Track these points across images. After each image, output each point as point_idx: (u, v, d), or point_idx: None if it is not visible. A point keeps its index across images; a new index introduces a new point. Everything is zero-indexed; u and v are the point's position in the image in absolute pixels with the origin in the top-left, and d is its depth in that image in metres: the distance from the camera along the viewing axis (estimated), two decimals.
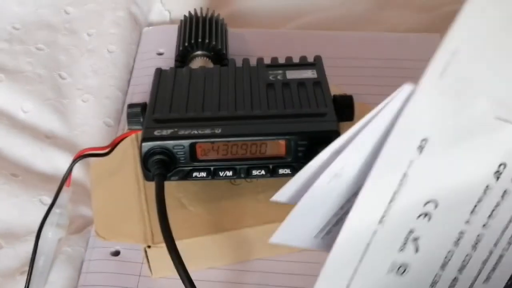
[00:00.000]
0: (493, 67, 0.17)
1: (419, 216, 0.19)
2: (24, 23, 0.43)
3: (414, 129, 0.18)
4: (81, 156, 0.30)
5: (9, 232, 0.33)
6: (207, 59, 0.37)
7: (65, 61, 0.41)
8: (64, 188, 0.30)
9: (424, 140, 0.18)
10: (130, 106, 0.31)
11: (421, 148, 0.18)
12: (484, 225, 0.20)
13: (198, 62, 0.37)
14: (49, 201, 0.33)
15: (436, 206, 0.19)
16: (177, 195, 0.30)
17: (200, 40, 0.37)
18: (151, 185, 0.27)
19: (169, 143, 0.28)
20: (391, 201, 0.19)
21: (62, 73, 0.40)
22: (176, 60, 0.38)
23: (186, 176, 0.28)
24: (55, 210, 0.30)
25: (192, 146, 0.28)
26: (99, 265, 0.31)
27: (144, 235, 0.29)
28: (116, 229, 0.30)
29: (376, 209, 0.18)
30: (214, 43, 0.37)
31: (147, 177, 0.28)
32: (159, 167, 0.28)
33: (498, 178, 0.19)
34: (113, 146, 0.30)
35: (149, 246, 0.29)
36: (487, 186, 0.19)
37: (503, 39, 0.17)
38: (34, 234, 0.30)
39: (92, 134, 0.37)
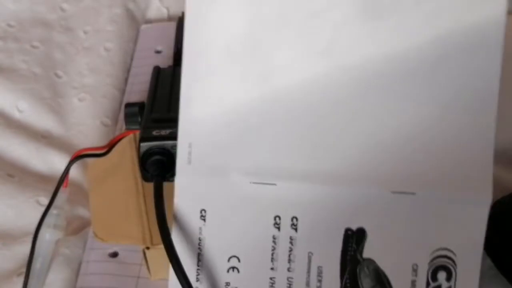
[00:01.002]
0: (230, 149, 0.23)
1: (228, 270, 0.24)
2: (19, 21, 0.43)
3: (192, 203, 0.24)
4: (78, 156, 0.30)
5: (6, 233, 0.33)
6: None
7: (61, 59, 0.41)
8: (61, 189, 0.30)
9: (203, 210, 0.24)
10: (128, 105, 0.31)
11: (203, 217, 0.24)
12: (288, 269, 0.24)
13: None
14: (46, 201, 0.32)
15: (239, 260, 0.24)
16: None
17: None
18: (150, 186, 0.27)
19: (168, 143, 0.27)
20: (199, 261, 0.24)
21: (58, 72, 0.40)
22: (174, 58, 0.37)
23: None
24: (52, 211, 0.30)
25: None
26: (97, 267, 0.31)
27: (143, 236, 0.28)
28: (114, 230, 0.29)
29: (190, 273, 0.24)
30: None
31: (145, 178, 0.28)
32: (158, 168, 0.27)
33: (279, 228, 0.24)
34: (111, 146, 0.30)
35: (147, 248, 0.28)
36: (273, 236, 0.24)
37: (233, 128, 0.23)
38: (31, 236, 0.30)
39: (89, 134, 0.37)
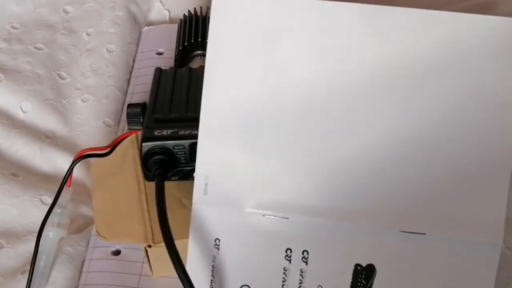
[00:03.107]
0: (245, 182, 0.24)
1: None
2: (23, 23, 0.43)
3: (206, 232, 0.24)
4: (82, 156, 0.30)
5: (10, 232, 0.33)
6: None
7: (64, 60, 0.41)
8: (65, 188, 0.30)
9: (217, 239, 0.24)
10: (130, 106, 0.31)
11: (217, 246, 0.24)
12: None
13: (198, 61, 0.37)
14: (49, 200, 0.33)
15: None
16: (177, 195, 0.30)
17: (200, 39, 0.37)
18: (152, 185, 0.27)
19: (169, 143, 0.28)
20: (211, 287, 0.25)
21: (61, 73, 0.40)
22: (175, 60, 0.37)
23: (186, 176, 0.28)
24: (56, 210, 0.30)
25: (192, 146, 0.28)
26: (100, 265, 0.31)
27: (145, 235, 0.29)
28: (117, 229, 0.30)
29: None
30: None
31: (147, 177, 0.28)
32: (159, 167, 0.28)
33: (290, 260, 0.24)
34: (113, 146, 0.30)
35: (149, 246, 0.29)
36: (284, 268, 0.24)
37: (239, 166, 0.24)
38: (35, 234, 0.30)
39: (92, 134, 0.37)
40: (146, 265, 0.31)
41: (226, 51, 0.24)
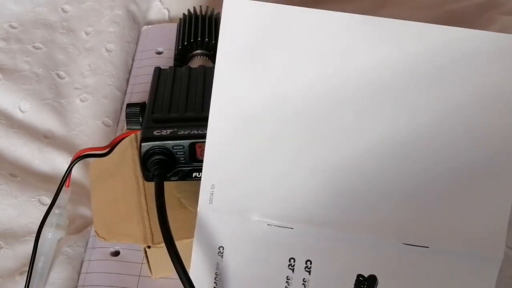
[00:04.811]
0: (251, 191, 0.24)
1: None
2: (21, 22, 0.43)
3: (211, 239, 0.24)
4: (80, 156, 0.30)
5: (8, 232, 0.33)
6: (207, 58, 0.36)
7: (63, 60, 0.41)
8: (64, 188, 0.30)
9: (221, 247, 0.25)
10: (129, 105, 0.31)
11: (221, 254, 0.25)
12: None
13: (198, 61, 0.36)
14: (48, 201, 0.33)
15: None
16: (177, 195, 0.30)
17: (199, 38, 0.37)
18: (151, 185, 0.27)
19: (169, 143, 0.28)
20: None
21: (60, 72, 0.40)
22: (175, 59, 0.37)
23: (186, 176, 0.28)
24: (54, 210, 0.30)
25: (192, 146, 0.28)
26: (98, 266, 0.31)
27: (144, 235, 0.29)
28: (116, 229, 0.29)
29: None
30: (213, 41, 0.37)
31: (146, 177, 0.28)
32: (159, 167, 0.27)
33: (293, 270, 0.24)
34: (113, 146, 0.30)
35: (149, 246, 0.29)
36: (287, 277, 0.24)
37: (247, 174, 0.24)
38: (34, 235, 0.30)
39: (91, 134, 0.37)
40: (145, 266, 0.30)
41: (235, 60, 0.24)
